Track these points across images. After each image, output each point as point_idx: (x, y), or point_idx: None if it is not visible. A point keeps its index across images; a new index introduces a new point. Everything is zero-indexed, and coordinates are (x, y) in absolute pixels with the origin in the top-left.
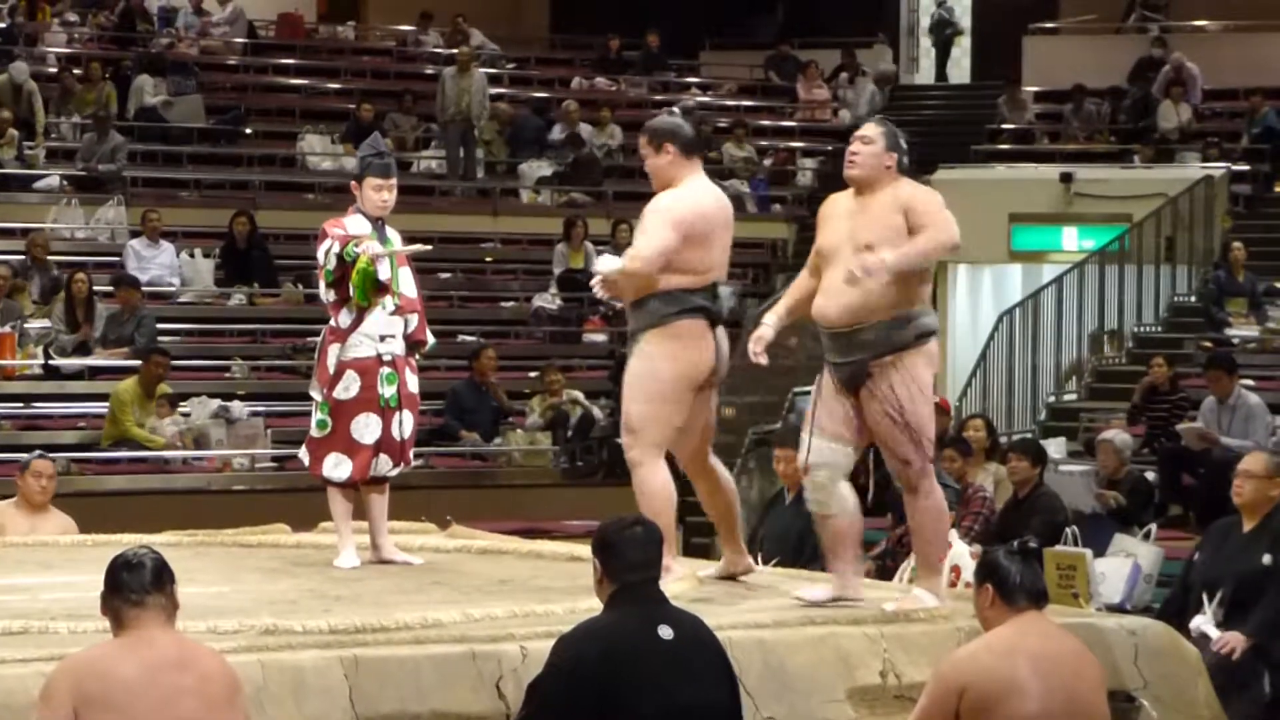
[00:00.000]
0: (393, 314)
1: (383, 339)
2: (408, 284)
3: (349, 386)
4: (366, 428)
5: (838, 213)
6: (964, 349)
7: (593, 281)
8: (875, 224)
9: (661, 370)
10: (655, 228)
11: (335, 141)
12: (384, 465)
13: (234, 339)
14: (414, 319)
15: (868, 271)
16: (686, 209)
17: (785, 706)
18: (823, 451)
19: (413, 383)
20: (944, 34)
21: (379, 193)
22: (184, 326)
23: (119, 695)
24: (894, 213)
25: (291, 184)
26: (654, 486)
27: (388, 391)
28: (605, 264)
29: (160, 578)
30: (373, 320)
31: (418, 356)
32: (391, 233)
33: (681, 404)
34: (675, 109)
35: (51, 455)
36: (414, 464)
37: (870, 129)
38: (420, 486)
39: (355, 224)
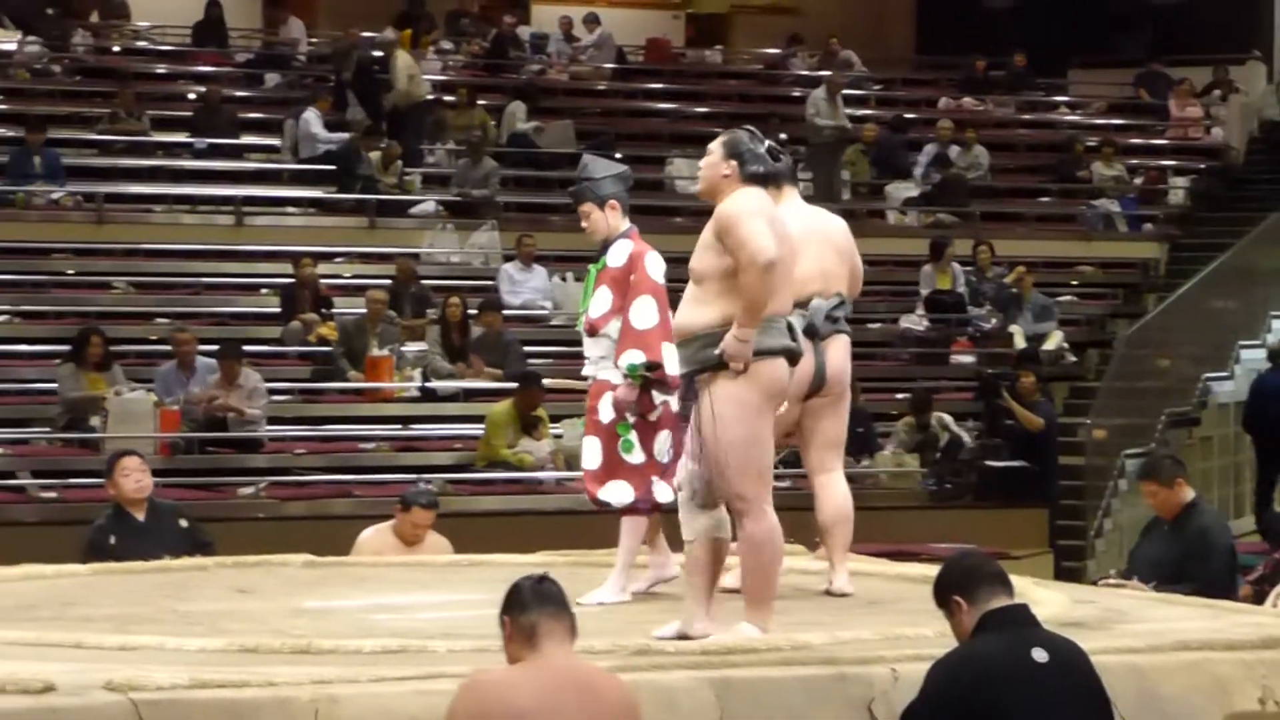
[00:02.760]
0: (590, 335)
1: (588, 361)
2: (596, 304)
3: None
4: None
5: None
6: None
7: None
8: (700, 243)
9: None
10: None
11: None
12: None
13: None
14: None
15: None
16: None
17: None
18: (684, 472)
19: (602, 410)
20: None
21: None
22: (556, 349)
23: None
24: (710, 229)
25: (659, 207)
26: None
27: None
28: None
29: (566, 600)
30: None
31: (629, 379)
32: (614, 249)
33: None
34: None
35: (427, 476)
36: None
37: (714, 141)
38: (786, 508)
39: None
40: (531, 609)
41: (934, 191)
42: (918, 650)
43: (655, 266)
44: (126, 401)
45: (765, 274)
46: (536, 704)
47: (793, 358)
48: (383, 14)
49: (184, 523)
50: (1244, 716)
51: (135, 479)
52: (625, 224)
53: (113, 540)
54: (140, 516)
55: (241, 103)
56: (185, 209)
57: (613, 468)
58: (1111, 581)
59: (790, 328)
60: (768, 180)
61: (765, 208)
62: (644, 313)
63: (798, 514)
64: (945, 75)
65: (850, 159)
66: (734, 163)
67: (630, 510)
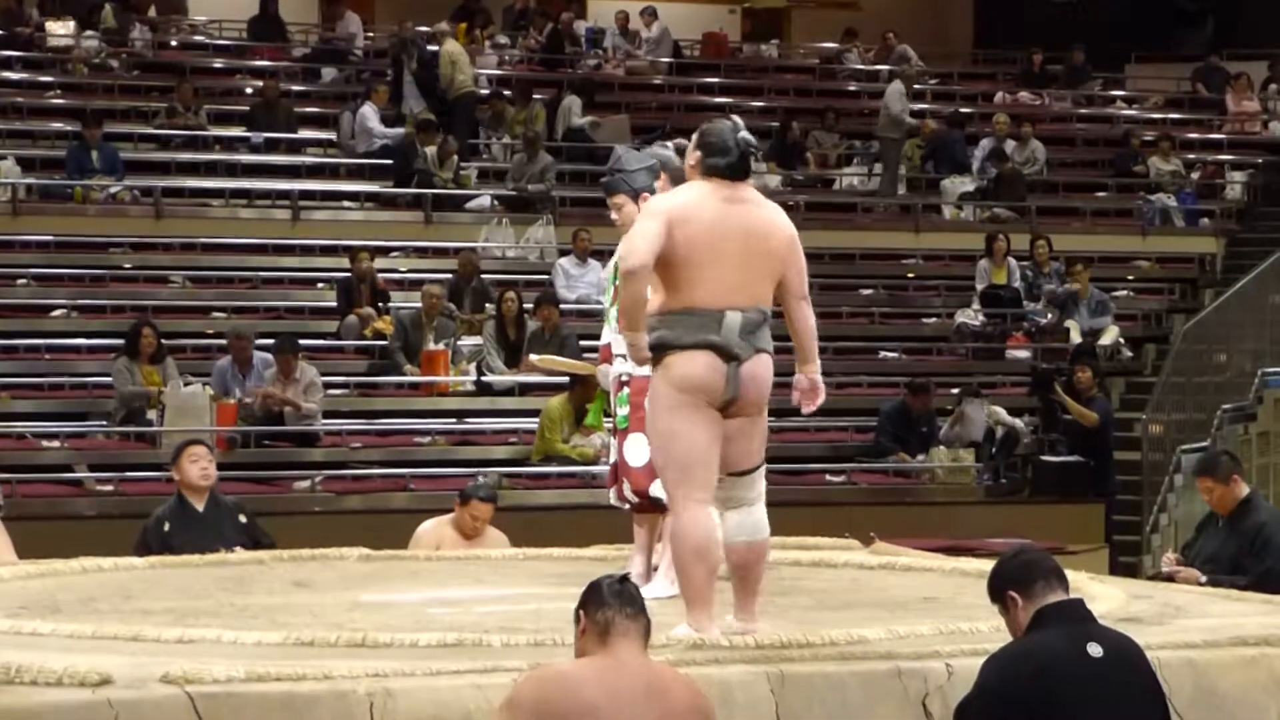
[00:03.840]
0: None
1: (623, 358)
2: None
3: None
4: (609, 450)
5: None
6: None
7: None
8: None
9: None
10: None
11: (759, 160)
12: (612, 493)
13: None
14: None
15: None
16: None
17: None
18: None
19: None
20: None
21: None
22: None
23: (582, 718)
24: None
25: None
26: None
27: (621, 412)
28: None
29: (643, 603)
30: (613, 339)
31: None
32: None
33: None
34: (668, 144)
35: (483, 470)
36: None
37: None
38: (843, 503)
39: None
40: (608, 606)
41: (990, 186)
42: (973, 645)
43: None
44: (184, 395)
45: (626, 280)
46: (602, 700)
47: (720, 352)
48: (439, 8)
49: (243, 518)
50: None
51: (201, 466)
52: None
53: (167, 528)
54: (199, 507)
55: (298, 97)
56: (242, 203)
57: None
58: (1171, 557)
59: (720, 322)
60: (727, 173)
61: (681, 205)
62: None
63: (877, 508)
64: (1002, 69)
65: (906, 152)
66: (699, 155)
67: None
